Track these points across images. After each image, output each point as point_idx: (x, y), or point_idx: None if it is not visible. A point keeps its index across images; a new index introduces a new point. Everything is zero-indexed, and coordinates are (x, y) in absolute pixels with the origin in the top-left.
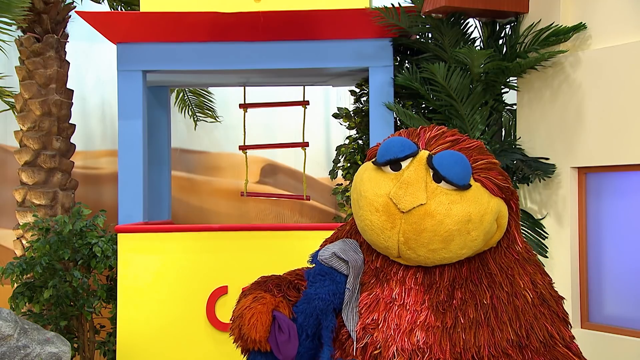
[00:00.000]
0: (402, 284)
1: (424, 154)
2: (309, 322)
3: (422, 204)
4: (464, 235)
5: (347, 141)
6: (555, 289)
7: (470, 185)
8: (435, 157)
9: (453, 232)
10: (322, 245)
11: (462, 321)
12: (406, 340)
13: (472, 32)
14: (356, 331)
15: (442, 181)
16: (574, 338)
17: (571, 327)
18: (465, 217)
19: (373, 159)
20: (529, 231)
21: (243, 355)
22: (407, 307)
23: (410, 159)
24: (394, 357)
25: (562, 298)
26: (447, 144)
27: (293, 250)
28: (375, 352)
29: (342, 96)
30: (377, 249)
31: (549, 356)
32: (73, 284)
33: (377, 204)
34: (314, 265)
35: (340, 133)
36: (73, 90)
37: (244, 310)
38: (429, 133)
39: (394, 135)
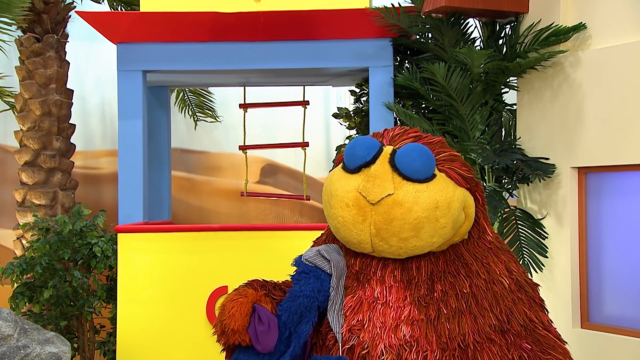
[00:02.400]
0: (382, 283)
1: (388, 149)
2: (293, 319)
3: (390, 194)
4: (433, 223)
5: (347, 141)
6: (529, 276)
7: (434, 175)
8: (397, 155)
9: (422, 220)
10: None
11: (445, 312)
12: (393, 336)
13: (472, 32)
14: (342, 333)
15: (404, 179)
16: (552, 322)
17: (548, 312)
18: (432, 204)
19: (342, 165)
20: (529, 231)
21: (226, 358)
22: (390, 304)
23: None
24: (383, 355)
25: (537, 285)
26: (411, 139)
27: (293, 250)
28: (363, 352)
29: (342, 96)
30: (351, 245)
31: (531, 339)
32: (73, 284)
33: (347, 199)
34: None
35: (340, 133)
36: (73, 90)
37: (225, 304)
38: (392, 132)
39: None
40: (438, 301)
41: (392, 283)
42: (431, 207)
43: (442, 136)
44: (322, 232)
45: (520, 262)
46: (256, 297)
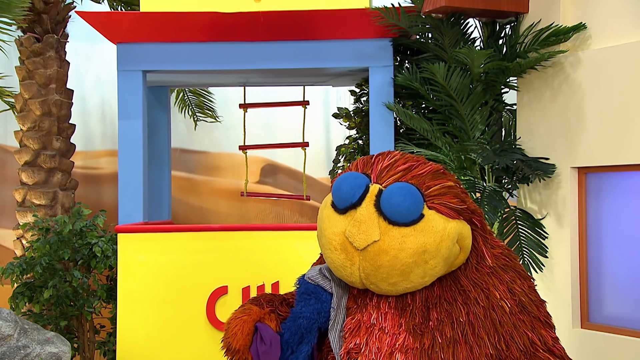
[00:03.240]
0: (378, 309)
1: (374, 189)
2: (294, 339)
3: (375, 241)
4: (421, 266)
5: (347, 141)
6: (537, 291)
7: (422, 216)
8: (382, 197)
9: (410, 265)
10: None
11: (440, 341)
12: None
13: (472, 32)
14: (340, 355)
15: (391, 223)
16: (558, 340)
17: (555, 329)
18: (419, 248)
19: (332, 201)
20: (529, 231)
21: None
22: (386, 330)
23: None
24: None
25: (543, 301)
26: (399, 174)
27: (293, 250)
28: None
29: (342, 96)
30: (348, 283)
31: None
32: (73, 284)
33: (335, 242)
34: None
35: (340, 133)
36: (73, 90)
37: (230, 321)
38: (381, 163)
39: (352, 166)
40: (433, 330)
41: (387, 309)
42: (419, 252)
43: (443, 136)
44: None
45: (520, 262)
46: (260, 315)
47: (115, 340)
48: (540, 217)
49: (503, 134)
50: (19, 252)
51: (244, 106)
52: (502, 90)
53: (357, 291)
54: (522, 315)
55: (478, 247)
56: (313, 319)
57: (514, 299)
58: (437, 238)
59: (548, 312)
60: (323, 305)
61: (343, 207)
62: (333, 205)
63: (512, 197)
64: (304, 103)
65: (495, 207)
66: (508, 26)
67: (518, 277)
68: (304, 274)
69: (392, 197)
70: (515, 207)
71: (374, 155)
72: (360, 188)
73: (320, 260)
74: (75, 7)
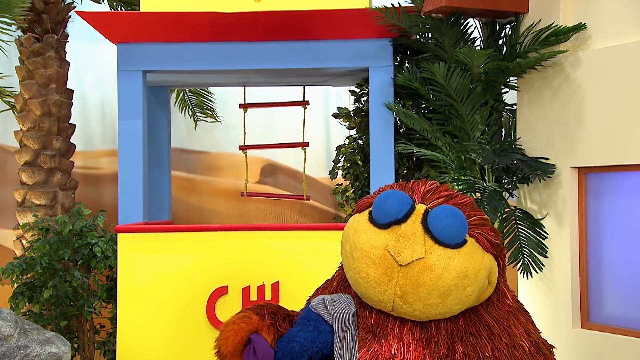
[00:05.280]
0: (400, 340)
1: (420, 208)
2: (286, 359)
3: (420, 258)
4: (460, 291)
5: (347, 141)
6: (544, 338)
7: (465, 242)
8: (430, 216)
9: (450, 287)
10: (315, 293)
11: None
12: None
13: (472, 32)
14: None
15: (436, 243)
16: None
17: None
18: (462, 272)
19: (366, 211)
20: (529, 231)
21: None
22: None
23: None
24: None
25: (552, 347)
26: (442, 199)
27: (293, 250)
28: None
29: (342, 96)
30: (370, 302)
31: None
32: (73, 284)
33: (374, 256)
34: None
35: (340, 133)
36: (73, 90)
37: (227, 325)
38: (422, 187)
39: (387, 188)
40: None
41: (410, 341)
42: (460, 275)
43: (443, 136)
44: (332, 276)
45: (520, 262)
46: (258, 325)
47: (115, 340)
48: (540, 217)
49: (503, 134)
50: (19, 252)
51: (244, 106)
52: (502, 90)
53: (374, 320)
54: (539, 357)
55: (500, 286)
56: (306, 346)
57: (530, 340)
58: (477, 265)
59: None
60: (319, 335)
61: (385, 222)
62: (371, 220)
63: (512, 197)
64: (304, 103)
65: (495, 207)
66: (508, 26)
67: (530, 321)
68: (311, 300)
69: (442, 218)
70: (515, 207)
71: (407, 182)
72: (407, 205)
73: (327, 287)
74: (75, 7)
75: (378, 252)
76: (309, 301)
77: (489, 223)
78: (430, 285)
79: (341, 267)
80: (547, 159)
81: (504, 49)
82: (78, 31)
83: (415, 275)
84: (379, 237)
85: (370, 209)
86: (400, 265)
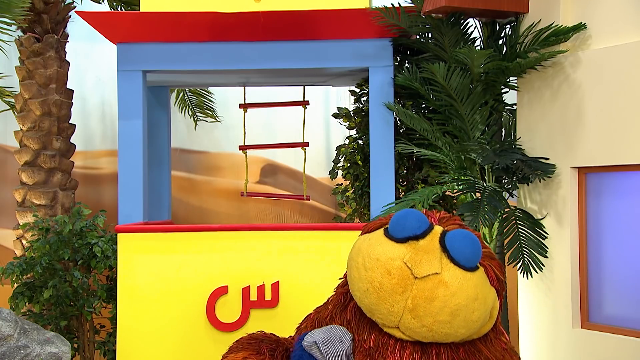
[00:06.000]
0: None
1: (438, 229)
2: None
3: (436, 273)
4: (469, 313)
5: (347, 141)
6: None
7: (478, 267)
8: (448, 236)
9: (461, 307)
10: (306, 319)
11: None
12: None
13: (472, 32)
14: None
15: (452, 262)
16: None
17: None
18: (474, 294)
19: (379, 230)
20: (529, 231)
21: None
22: None
23: None
24: None
25: None
26: (457, 226)
27: (293, 250)
28: None
29: (342, 96)
30: (376, 314)
31: None
32: (73, 284)
33: (391, 266)
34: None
35: (340, 133)
36: (73, 90)
37: (226, 356)
38: (437, 214)
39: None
40: None
41: None
42: (472, 297)
43: (443, 136)
44: (326, 300)
45: (520, 262)
46: None
47: (115, 340)
48: (540, 217)
49: (503, 134)
50: (19, 252)
51: (244, 106)
52: (502, 90)
53: (373, 343)
54: None
55: (497, 324)
56: None
57: None
58: (486, 292)
59: None
60: None
61: (403, 237)
62: (387, 234)
63: (512, 197)
64: (304, 103)
65: (495, 207)
66: (508, 26)
67: None
68: (304, 334)
69: (460, 239)
70: (515, 207)
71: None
72: (426, 223)
73: (321, 313)
74: (75, 7)
75: (395, 263)
76: (299, 331)
77: (496, 258)
78: (443, 301)
79: (337, 291)
80: (547, 159)
81: (504, 49)
82: (78, 31)
83: (429, 289)
84: (396, 249)
85: (383, 227)
86: (416, 277)
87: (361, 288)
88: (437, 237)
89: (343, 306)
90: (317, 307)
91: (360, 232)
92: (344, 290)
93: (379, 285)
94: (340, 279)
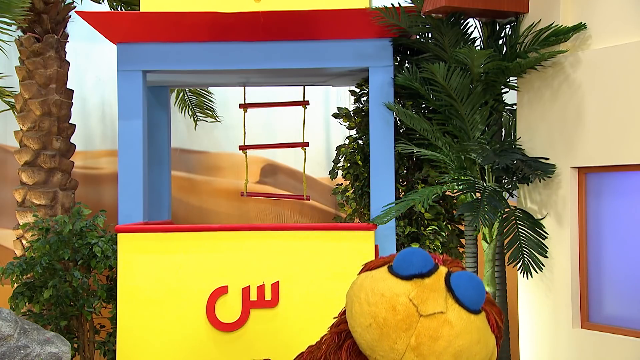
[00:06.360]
0: None
1: (443, 269)
2: None
3: (442, 312)
4: (471, 356)
5: (347, 141)
6: None
7: (481, 311)
8: (453, 277)
9: (464, 349)
10: (298, 359)
11: None
12: None
13: (472, 32)
14: None
15: (457, 302)
16: None
17: None
18: (477, 337)
19: (382, 267)
20: (529, 231)
21: None
22: None
23: None
24: None
25: None
26: (460, 269)
27: (293, 250)
28: None
29: (342, 96)
30: (378, 351)
31: None
32: (73, 284)
33: (396, 302)
34: None
35: (340, 133)
36: (73, 90)
37: None
38: (441, 257)
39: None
40: None
41: None
42: (474, 340)
43: (443, 136)
44: (319, 340)
45: (520, 262)
46: None
47: (115, 340)
48: (540, 217)
49: (503, 134)
50: (19, 252)
51: (244, 106)
52: (502, 90)
53: None
54: None
55: None
56: None
57: None
58: (487, 336)
59: None
60: None
61: (409, 274)
62: (392, 271)
63: (512, 197)
64: (304, 103)
65: (495, 207)
66: (508, 26)
67: None
68: None
69: (465, 281)
70: (515, 207)
71: None
72: (431, 262)
73: (315, 354)
74: (75, 7)
75: (400, 299)
76: None
77: (497, 305)
78: (448, 341)
79: (331, 331)
80: (547, 159)
81: (504, 49)
82: (78, 31)
83: (434, 328)
84: (401, 286)
85: (387, 265)
86: (421, 315)
87: (363, 323)
88: (442, 276)
89: (337, 346)
90: (310, 347)
91: (359, 270)
92: (338, 330)
93: (383, 320)
94: (334, 317)
